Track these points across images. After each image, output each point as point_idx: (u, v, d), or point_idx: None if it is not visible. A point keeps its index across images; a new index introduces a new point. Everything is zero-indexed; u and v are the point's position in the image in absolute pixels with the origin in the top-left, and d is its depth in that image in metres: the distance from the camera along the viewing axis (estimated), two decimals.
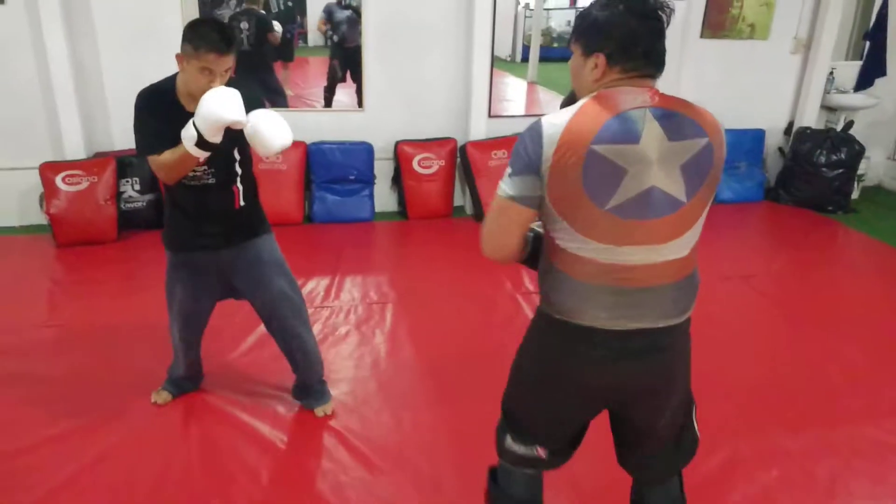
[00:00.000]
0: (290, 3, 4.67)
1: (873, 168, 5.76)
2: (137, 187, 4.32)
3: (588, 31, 1.34)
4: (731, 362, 2.97)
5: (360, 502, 2.12)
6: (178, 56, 1.97)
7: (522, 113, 6.60)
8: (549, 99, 7.01)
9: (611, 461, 1.63)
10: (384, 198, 4.91)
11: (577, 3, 9.13)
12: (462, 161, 4.80)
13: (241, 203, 2.22)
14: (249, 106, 1.99)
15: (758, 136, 5.40)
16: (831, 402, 2.72)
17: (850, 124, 5.22)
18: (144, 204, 4.35)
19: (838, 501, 2.18)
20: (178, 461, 2.28)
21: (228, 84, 1.99)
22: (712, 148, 1.29)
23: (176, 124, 1.94)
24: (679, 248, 1.33)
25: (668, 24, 1.32)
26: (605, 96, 1.29)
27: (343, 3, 4.67)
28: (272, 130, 1.96)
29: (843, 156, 5.08)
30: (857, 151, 5.13)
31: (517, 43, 8.98)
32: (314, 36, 4.78)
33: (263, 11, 4.55)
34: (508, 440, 1.58)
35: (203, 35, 1.90)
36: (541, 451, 1.55)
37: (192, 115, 1.92)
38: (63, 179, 4.06)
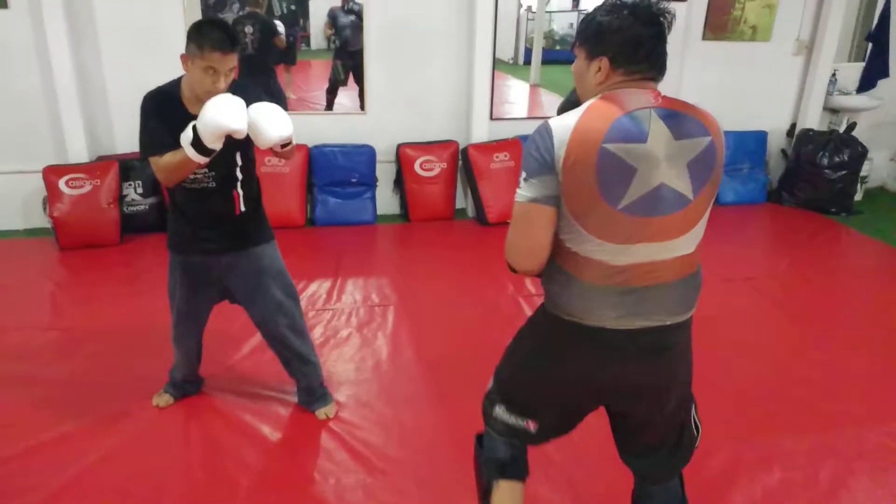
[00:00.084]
0: (292, 7, 4.69)
1: (876, 170, 5.73)
2: (140, 190, 4.33)
3: (592, 36, 1.38)
4: (733, 364, 2.96)
5: None
6: (182, 56, 1.98)
7: (525, 115, 6.62)
8: (552, 101, 7.02)
9: (611, 465, 1.63)
10: (386, 200, 4.92)
11: (580, 6, 9.15)
12: (464, 164, 4.81)
13: (242, 209, 2.22)
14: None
15: (760, 137, 5.39)
16: (834, 404, 2.71)
17: (852, 126, 5.21)
18: (147, 207, 4.36)
19: None
20: (180, 463, 2.29)
21: (232, 87, 2.00)
22: (715, 146, 1.34)
23: (179, 127, 1.95)
24: (687, 243, 1.37)
25: (669, 30, 1.37)
26: (611, 98, 1.32)
27: (346, 7, 4.69)
28: (270, 121, 1.96)
29: (845, 157, 5.06)
30: (860, 153, 5.11)
31: (520, 45, 9.00)
32: (317, 39, 4.80)
33: (267, 15, 4.57)
34: (499, 409, 1.59)
35: (207, 34, 1.92)
36: (531, 425, 1.56)
37: (195, 118, 1.93)
38: (66, 183, 4.08)
